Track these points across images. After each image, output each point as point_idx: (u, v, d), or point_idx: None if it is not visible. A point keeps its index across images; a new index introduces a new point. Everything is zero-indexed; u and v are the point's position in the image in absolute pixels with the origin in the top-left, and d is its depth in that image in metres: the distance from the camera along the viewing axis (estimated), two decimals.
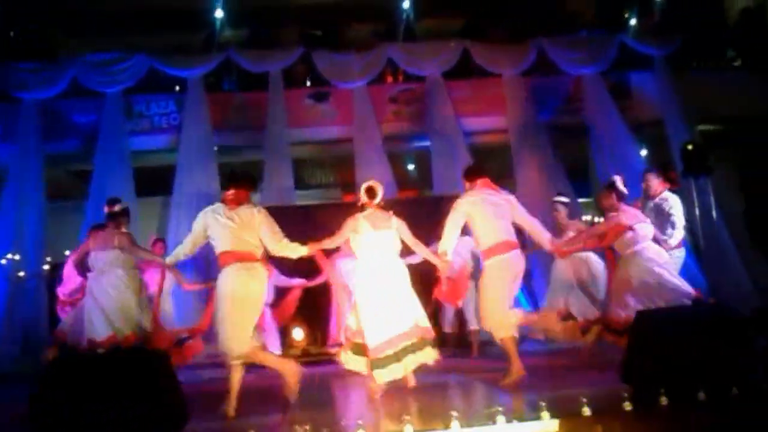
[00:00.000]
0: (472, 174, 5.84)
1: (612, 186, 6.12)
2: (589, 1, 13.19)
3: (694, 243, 11.05)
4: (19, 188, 10.47)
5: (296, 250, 5.28)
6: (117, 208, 6.32)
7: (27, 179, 10.52)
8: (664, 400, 4.02)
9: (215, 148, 11.16)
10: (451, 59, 11.68)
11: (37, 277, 9.98)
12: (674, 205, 6.58)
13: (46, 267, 10.12)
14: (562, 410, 3.93)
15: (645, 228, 5.97)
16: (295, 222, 8.72)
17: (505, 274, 5.54)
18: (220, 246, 5.08)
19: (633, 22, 12.53)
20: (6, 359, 9.20)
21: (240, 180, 5.25)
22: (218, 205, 5.19)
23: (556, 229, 7.05)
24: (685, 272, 10.41)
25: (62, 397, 3.54)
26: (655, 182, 6.82)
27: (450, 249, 5.64)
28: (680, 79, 11.82)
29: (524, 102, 11.55)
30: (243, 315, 4.95)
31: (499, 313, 5.45)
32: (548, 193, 10.49)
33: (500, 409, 3.89)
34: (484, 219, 5.59)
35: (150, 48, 11.50)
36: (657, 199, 6.71)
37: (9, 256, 9.89)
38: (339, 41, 12.38)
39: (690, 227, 11.41)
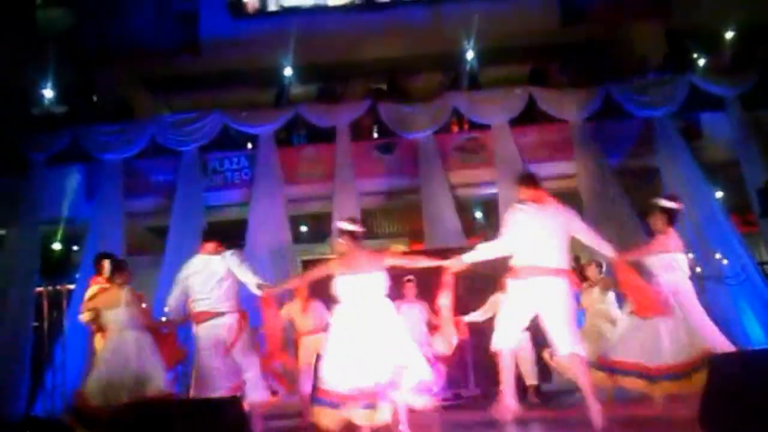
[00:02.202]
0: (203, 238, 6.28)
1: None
2: (658, 43, 13.06)
3: None
4: (100, 243, 10.84)
5: None
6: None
7: (108, 235, 10.92)
8: None
9: (286, 201, 11.40)
10: (516, 106, 11.70)
11: None
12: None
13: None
14: None
15: None
16: None
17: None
18: None
19: (702, 62, 12.34)
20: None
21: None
22: None
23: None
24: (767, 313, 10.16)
25: None
26: None
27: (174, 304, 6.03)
28: (754, 118, 11.53)
29: (592, 146, 11.41)
30: None
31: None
32: (620, 238, 10.35)
33: None
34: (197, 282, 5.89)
35: (222, 106, 11.96)
36: None
37: None
38: (404, 92, 12.59)
39: None
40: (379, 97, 12.21)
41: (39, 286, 10.49)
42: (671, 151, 11.35)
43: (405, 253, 5.61)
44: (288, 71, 12.10)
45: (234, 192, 11.68)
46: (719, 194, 11.61)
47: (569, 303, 5.21)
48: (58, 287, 9.49)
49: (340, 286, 5.13)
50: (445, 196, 11.22)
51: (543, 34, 12.99)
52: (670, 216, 5.99)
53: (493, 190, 11.58)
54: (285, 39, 11.75)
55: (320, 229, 12.60)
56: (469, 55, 12.13)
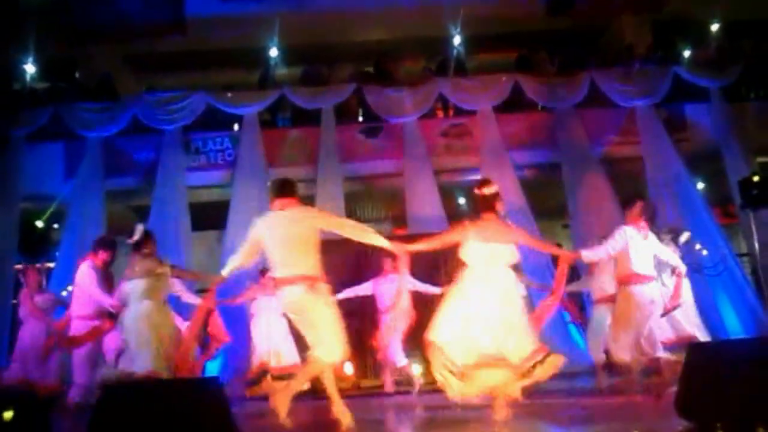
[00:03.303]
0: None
1: None
2: (644, 34, 13.10)
3: (754, 276, 10.81)
4: (81, 223, 10.79)
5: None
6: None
7: (88, 214, 10.83)
8: None
9: (268, 183, 11.35)
10: (501, 93, 11.70)
11: None
12: None
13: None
14: None
15: None
16: (347, 256, 8.84)
17: None
18: None
19: (687, 53, 12.40)
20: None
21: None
22: None
23: None
24: (746, 305, 10.28)
25: (118, 425, 3.61)
26: None
27: None
28: (737, 110, 11.62)
29: (577, 135, 11.46)
30: None
31: None
32: (601, 227, 10.40)
33: None
34: None
35: (206, 85, 11.86)
36: None
37: (70, 288, 10.15)
38: (390, 77, 12.55)
39: (751, 260, 11.22)
40: (365, 81, 12.16)
41: (18, 263, 10.40)
42: (654, 141, 11.42)
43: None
44: (274, 52, 12.00)
45: (216, 173, 11.61)
46: (701, 185, 11.70)
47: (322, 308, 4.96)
48: (38, 265, 9.38)
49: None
50: (429, 181, 11.23)
51: (530, 22, 12.99)
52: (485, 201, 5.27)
53: (476, 177, 11.58)
54: (271, 20, 11.66)
55: None
56: (456, 40, 12.09)
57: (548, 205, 11.88)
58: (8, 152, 11.16)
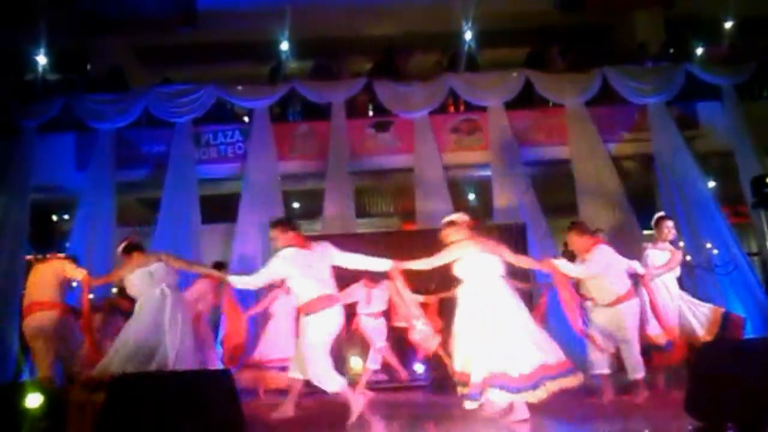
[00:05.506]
0: None
1: None
2: (657, 31, 13.04)
3: (765, 276, 10.77)
4: (91, 215, 10.83)
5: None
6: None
7: (99, 206, 10.87)
8: None
9: (279, 177, 11.36)
10: (512, 89, 11.66)
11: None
12: None
13: (114, 290, 10.38)
14: None
15: None
16: (355, 251, 8.81)
17: None
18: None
19: (700, 50, 12.32)
20: None
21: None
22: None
23: None
24: (756, 305, 10.23)
25: (128, 414, 3.64)
26: None
27: None
28: (750, 109, 11.54)
29: (587, 132, 11.40)
30: None
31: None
32: (612, 225, 10.37)
33: None
34: None
35: (217, 79, 11.86)
36: None
37: None
38: (401, 71, 12.51)
39: (762, 258, 11.17)
40: (376, 75, 12.12)
41: (28, 254, 10.45)
42: (666, 138, 11.35)
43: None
44: (284, 46, 12.00)
45: (227, 166, 11.59)
46: (712, 184, 11.64)
47: None
48: (48, 256, 9.43)
49: None
50: (439, 177, 11.20)
51: (542, 18, 12.93)
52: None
53: (486, 173, 11.58)
54: (282, 13, 11.65)
55: (313, 206, 12.57)
56: (468, 35, 12.06)
57: (558, 202, 11.84)
58: (20, 143, 11.21)
